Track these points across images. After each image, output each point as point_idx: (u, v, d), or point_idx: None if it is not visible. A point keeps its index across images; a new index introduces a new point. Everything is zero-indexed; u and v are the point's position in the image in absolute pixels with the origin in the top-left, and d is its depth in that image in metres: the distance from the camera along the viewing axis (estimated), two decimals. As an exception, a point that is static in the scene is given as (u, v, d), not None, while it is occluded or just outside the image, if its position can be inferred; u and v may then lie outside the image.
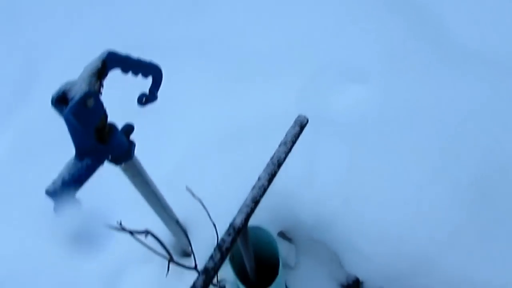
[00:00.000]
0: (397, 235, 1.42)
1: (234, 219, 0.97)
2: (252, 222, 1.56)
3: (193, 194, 1.10)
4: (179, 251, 1.78)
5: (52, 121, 1.75)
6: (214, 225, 1.27)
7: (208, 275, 0.89)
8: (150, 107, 1.98)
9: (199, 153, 1.77)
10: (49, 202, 0.93)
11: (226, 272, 1.69)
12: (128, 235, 1.71)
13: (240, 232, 0.96)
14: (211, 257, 0.92)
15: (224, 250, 0.92)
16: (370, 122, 1.68)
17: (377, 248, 1.45)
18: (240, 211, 0.98)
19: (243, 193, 1.01)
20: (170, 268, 1.68)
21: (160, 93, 1.14)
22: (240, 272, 1.46)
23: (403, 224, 1.42)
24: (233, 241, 0.94)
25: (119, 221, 0.96)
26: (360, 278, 1.68)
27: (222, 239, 0.94)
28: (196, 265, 1.37)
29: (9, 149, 2.11)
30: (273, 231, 1.54)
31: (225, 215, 1.21)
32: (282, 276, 1.45)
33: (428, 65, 1.79)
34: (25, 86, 2.28)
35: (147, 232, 0.99)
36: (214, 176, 1.68)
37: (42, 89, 2.28)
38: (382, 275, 1.50)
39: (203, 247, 1.44)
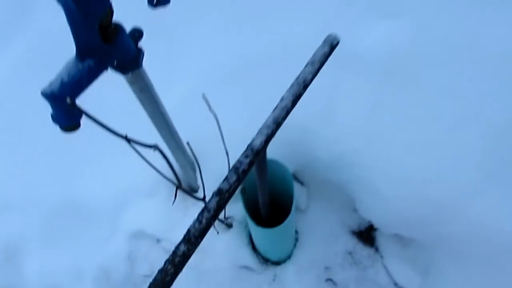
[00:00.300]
0: (422, 178, 1.31)
1: (253, 140, 0.86)
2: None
3: (209, 106, 0.99)
4: (185, 186, 1.70)
5: (56, 39, 1.62)
6: (227, 152, 1.17)
7: (222, 197, 0.80)
8: (163, 30, 1.83)
9: (212, 83, 1.65)
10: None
11: (235, 210, 1.62)
12: (135, 166, 1.62)
13: (258, 154, 0.85)
14: (226, 179, 0.82)
15: (240, 173, 0.82)
16: (400, 59, 1.53)
17: (399, 191, 1.35)
18: (259, 132, 0.87)
19: (256, 127, 0.90)
20: (175, 202, 1.61)
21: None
22: (250, 208, 1.37)
23: (429, 168, 1.31)
24: (251, 163, 0.84)
25: (125, 134, 0.85)
26: (375, 224, 1.60)
27: (239, 161, 0.84)
28: (204, 197, 1.28)
29: (12, 68, 2.00)
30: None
31: (237, 148, 1.11)
32: (294, 215, 1.37)
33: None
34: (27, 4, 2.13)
35: (155, 147, 0.88)
36: (227, 107, 1.56)
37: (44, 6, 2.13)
38: (400, 221, 1.41)
39: (211, 181, 1.35)
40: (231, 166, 0.84)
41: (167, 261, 0.71)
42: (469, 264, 1.36)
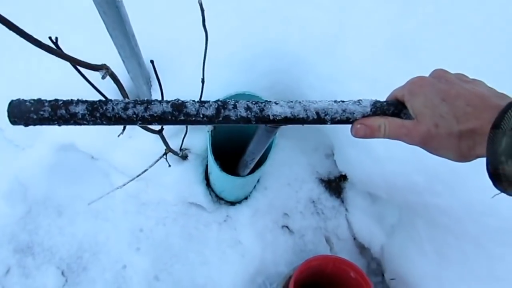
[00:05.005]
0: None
1: (271, 104, 0.51)
2: (243, 87, 1.15)
3: (204, 19, 0.65)
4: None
5: None
6: (203, 80, 0.85)
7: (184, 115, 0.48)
8: None
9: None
10: None
11: (194, 141, 1.33)
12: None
13: (266, 121, 0.52)
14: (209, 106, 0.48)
15: (227, 118, 0.49)
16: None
17: (394, 152, 1.14)
18: (286, 104, 0.53)
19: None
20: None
21: None
22: (215, 149, 1.10)
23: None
24: (245, 119, 0.51)
25: (54, 38, 0.51)
26: (350, 177, 1.41)
27: (235, 105, 0.50)
28: (162, 129, 0.98)
29: None
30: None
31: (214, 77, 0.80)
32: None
33: None
34: None
35: (106, 70, 0.55)
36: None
37: None
38: (385, 182, 1.22)
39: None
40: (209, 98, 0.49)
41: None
42: (446, 237, 1.22)
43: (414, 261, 1.30)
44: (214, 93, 1.07)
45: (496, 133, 0.37)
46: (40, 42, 0.38)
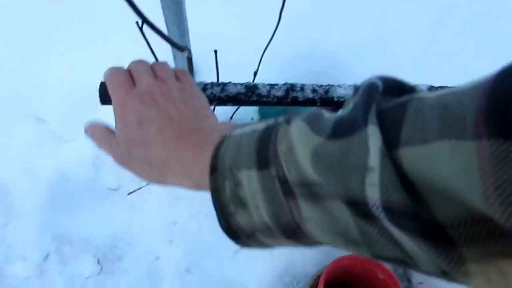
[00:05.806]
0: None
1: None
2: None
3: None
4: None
5: None
6: (256, 72, 0.90)
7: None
8: None
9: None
10: None
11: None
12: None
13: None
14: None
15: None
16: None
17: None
18: None
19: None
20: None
21: None
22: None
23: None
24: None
25: (140, 21, 0.56)
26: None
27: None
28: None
29: None
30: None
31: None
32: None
33: None
34: None
35: (188, 51, 0.60)
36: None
37: None
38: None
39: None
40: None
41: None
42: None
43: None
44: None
45: (217, 178, 0.31)
46: (147, 20, 0.44)
